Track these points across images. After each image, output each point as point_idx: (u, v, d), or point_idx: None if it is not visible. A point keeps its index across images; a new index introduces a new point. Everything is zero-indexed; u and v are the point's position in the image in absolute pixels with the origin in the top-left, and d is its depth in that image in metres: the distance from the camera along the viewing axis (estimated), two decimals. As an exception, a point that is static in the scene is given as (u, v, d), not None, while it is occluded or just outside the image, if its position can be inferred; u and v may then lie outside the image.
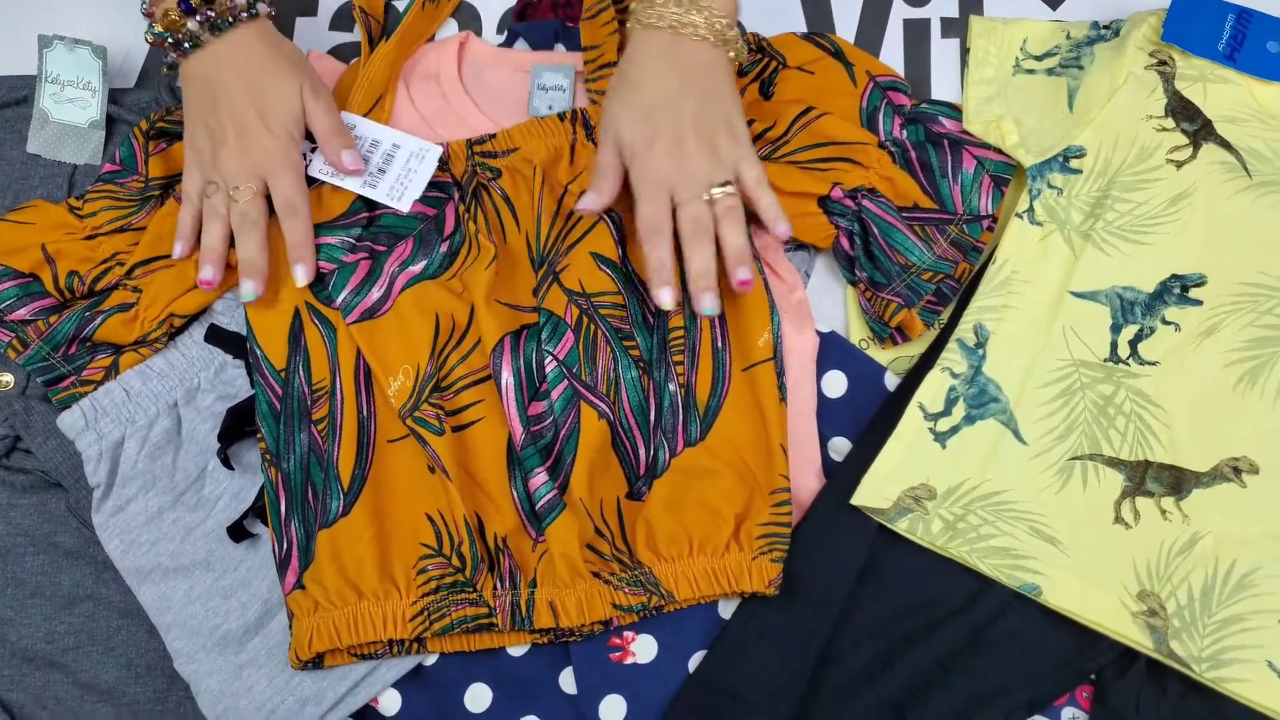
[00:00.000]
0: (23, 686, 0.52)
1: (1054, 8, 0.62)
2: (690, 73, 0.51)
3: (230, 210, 0.53)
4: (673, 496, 0.50)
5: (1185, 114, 0.56)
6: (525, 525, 0.50)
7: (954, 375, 0.52)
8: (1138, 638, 0.48)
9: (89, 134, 0.59)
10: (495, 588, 0.49)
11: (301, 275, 0.53)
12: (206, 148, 0.54)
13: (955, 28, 0.61)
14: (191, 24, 0.53)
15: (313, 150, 0.56)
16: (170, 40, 0.53)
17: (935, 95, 0.60)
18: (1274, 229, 0.53)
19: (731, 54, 0.53)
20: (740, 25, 0.55)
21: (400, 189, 0.55)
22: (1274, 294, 0.53)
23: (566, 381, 0.52)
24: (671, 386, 0.52)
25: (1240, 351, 0.52)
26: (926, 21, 0.62)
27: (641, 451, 0.51)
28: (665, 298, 0.51)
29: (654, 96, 0.51)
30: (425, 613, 0.49)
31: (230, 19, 0.53)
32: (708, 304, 0.50)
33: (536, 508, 0.50)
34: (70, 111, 0.59)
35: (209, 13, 0.53)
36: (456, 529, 0.50)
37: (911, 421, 0.52)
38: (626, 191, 0.55)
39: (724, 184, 0.51)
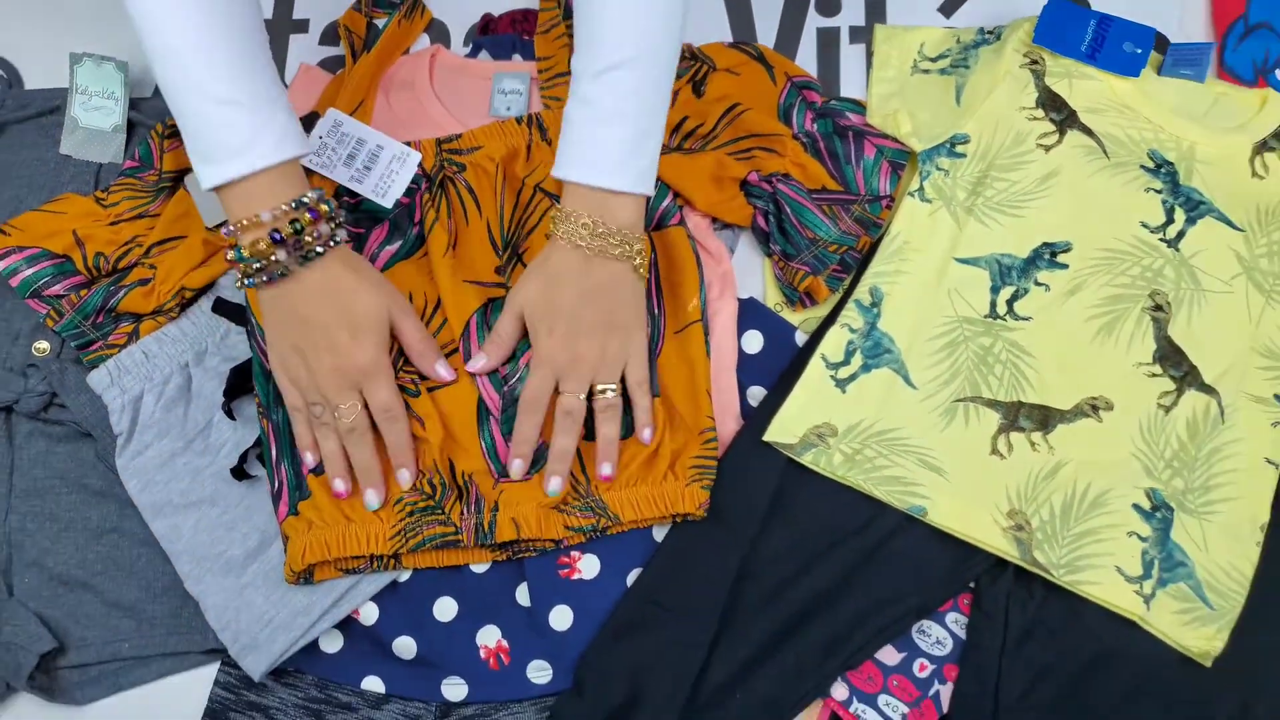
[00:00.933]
0: (58, 605, 0.58)
1: (948, 16, 0.68)
2: (597, 286, 0.53)
3: (338, 426, 0.53)
4: (640, 446, 0.55)
5: (1053, 105, 0.62)
6: (490, 468, 0.56)
7: (852, 330, 0.59)
8: (1007, 549, 0.54)
9: (112, 137, 0.66)
10: (462, 512, 0.55)
11: (406, 479, 0.54)
12: (300, 370, 0.53)
13: (862, 35, 0.68)
14: (281, 254, 0.51)
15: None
16: (257, 266, 0.51)
17: (844, 93, 0.66)
18: (1127, 202, 0.60)
19: (638, 261, 0.54)
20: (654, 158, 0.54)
21: (384, 186, 0.61)
22: (1126, 257, 0.59)
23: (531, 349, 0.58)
24: None
25: (1099, 307, 0.58)
26: (837, 29, 0.68)
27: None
28: (515, 468, 0.54)
29: (563, 299, 0.53)
30: (402, 533, 0.55)
31: (319, 250, 0.51)
32: (553, 486, 0.53)
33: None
34: (96, 118, 0.66)
35: (298, 242, 0.51)
36: (430, 468, 0.56)
37: (816, 370, 0.58)
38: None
39: (609, 385, 0.54)
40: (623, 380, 0.55)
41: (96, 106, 0.66)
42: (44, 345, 0.61)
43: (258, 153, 0.50)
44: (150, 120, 0.66)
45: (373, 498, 0.54)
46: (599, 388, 0.54)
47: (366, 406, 0.54)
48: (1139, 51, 0.61)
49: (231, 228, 0.52)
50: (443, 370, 0.55)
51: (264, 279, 0.52)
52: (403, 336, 0.55)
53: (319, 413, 0.54)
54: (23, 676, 0.55)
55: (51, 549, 0.58)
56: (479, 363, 0.56)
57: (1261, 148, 0.60)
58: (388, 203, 0.61)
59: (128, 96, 0.66)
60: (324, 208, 0.52)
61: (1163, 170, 0.60)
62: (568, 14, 0.66)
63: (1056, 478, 0.55)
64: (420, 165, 0.63)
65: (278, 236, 0.51)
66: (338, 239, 0.53)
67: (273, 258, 0.51)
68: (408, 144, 0.63)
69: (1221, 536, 0.53)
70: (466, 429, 0.56)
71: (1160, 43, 0.64)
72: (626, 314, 0.55)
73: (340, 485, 0.54)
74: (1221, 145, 0.60)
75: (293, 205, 0.51)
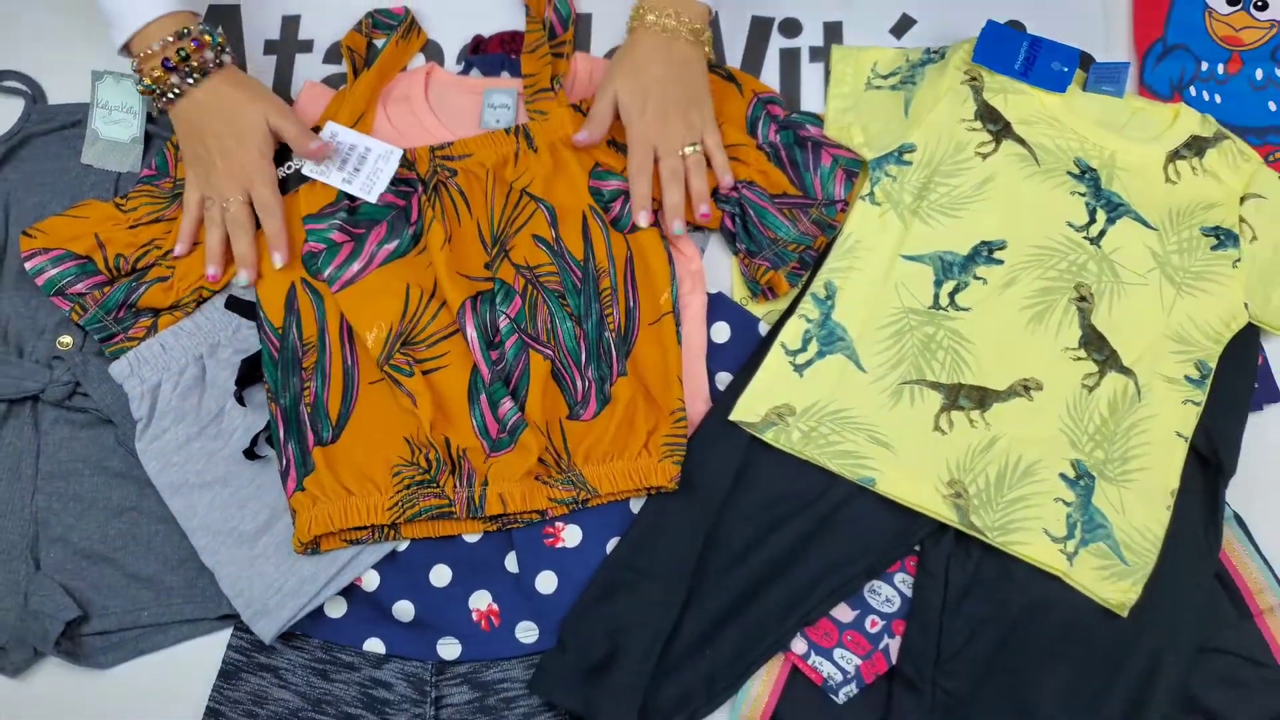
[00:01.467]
0: (82, 577, 0.62)
1: (899, 37, 0.75)
2: (676, 65, 0.66)
3: (224, 217, 0.65)
4: (613, 423, 0.61)
5: (990, 118, 0.68)
6: (482, 444, 0.61)
7: (809, 321, 0.65)
8: (947, 514, 0.60)
9: (130, 148, 0.71)
10: (455, 485, 0.60)
11: (278, 260, 0.65)
12: (201, 170, 0.65)
13: (820, 55, 0.74)
14: (174, 78, 0.64)
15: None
16: (157, 91, 0.64)
17: (804, 107, 0.73)
18: (1055, 204, 0.66)
19: (706, 49, 0.68)
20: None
21: (370, 183, 0.66)
22: (1055, 253, 0.65)
23: (517, 334, 0.64)
24: (606, 334, 0.63)
25: (1031, 299, 0.64)
26: (798, 50, 0.75)
27: (579, 383, 0.63)
28: (642, 219, 0.66)
29: (649, 78, 0.66)
30: (400, 504, 0.60)
31: (203, 72, 0.64)
32: (677, 227, 0.66)
33: (508, 426, 0.60)
34: (116, 130, 0.71)
35: (187, 68, 0.64)
36: (425, 444, 0.61)
37: (776, 357, 0.64)
38: (566, 187, 0.67)
39: (693, 144, 0.66)
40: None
41: (116, 120, 0.71)
42: (68, 339, 0.66)
43: (149, 6, 0.64)
44: (166, 133, 0.71)
45: (243, 277, 0.65)
46: (686, 150, 0.66)
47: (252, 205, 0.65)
48: (1065, 70, 0.68)
49: (138, 66, 0.65)
50: (315, 147, 0.66)
51: (165, 101, 0.65)
52: (283, 134, 0.66)
53: (209, 206, 0.65)
54: (50, 642, 0.60)
55: (75, 526, 0.63)
56: (582, 136, 0.67)
57: (1174, 156, 0.67)
58: (372, 198, 0.66)
59: (144, 111, 0.71)
60: (207, 38, 0.65)
61: (1087, 176, 0.67)
62: (552, 35, 0.73)
63: (992, 451, 0.61)
64: (415, 171, 0.68)
65: (169, 64, 0.64)
66: (222, 61, 0.66)
67: (168, 81, 0.64)
68: (403, 152, 0.68)
69: (1137, 501, 0.60)
70: (459, 407, 0.62)
71: (1085, 62, 0.71)
72: (701, 90, 0.67)
73: (213, 270, 0.65)
74: (1139, 154, 0.67)
75: (177, 36, 0.64)
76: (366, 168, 0.67)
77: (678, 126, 0.66)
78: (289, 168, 0.67)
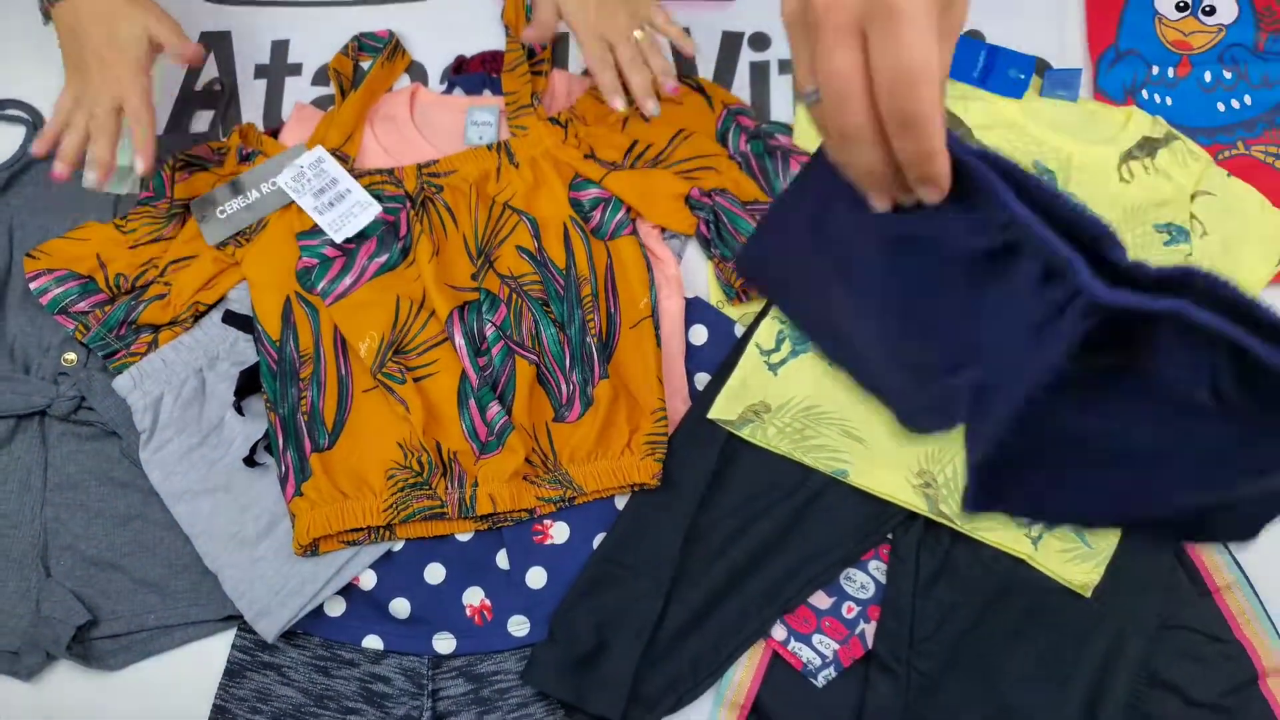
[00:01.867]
0: (91, 584, 0.64)
1: (863, 49, 0.78)
2: None
3: (89, 122, 0.65)
4: (596, 424, 0.63)
5: (950, 123, 0.71)
6: (471, 447, 0.64)
7: (782, 322, 0.67)
8: (917, 503, 0.62)
9: (128, 171, 0.72)
10: (447, 487, 0.63)
11: (140, 165, 0.65)
12: (78, 77, 0.66)
13: (789, 67, 0.77)
14: None
15: (279, 167, 0.70)
16: None
17: (773, 118, 0.75)
18: (1015, 205, 0.69)
19: None
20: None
21: (340, 224, 0.68)
22: (1015, 252, 0.68)
23: (503, 342, 0.66)
24: (588, 339, 0.66)
25: (993, 296, 0.67)
26: (767, 62, 0.77)
27: (564, 386, 0.65)
28: (618, 103, 0.69)
29: None
30: (394, 506, 0.62)
31: None
32: (651, 108, 0.69)
33: (496, 429, 0.62)
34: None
35: None
36: (418, 448, 0.63)
37: (751, 356, 0.66)
38: (547, 199, 0.70)
39: (641, 28, 0.69)
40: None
41: (114, 144, 0.73)
42: (72, 356, 0.68)
43: None
44: (162, 156, 0.73)
45: (90, 178, 0.65)
46: (637, 35, 0.69)
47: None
48: (1022, 77, 0.71)
49: None
50: (189, 52, 0.67)
51: (46, 2, 0.66)
52: (162, 40, 0.67)
53: (76, 109, 0.66)
54: (62, 646, 0.62)
55: (83, 534, 0.65)
56: (529, 34, 0.70)
57: (1127, 157, 0.70)
58: (338, 239, 0.68)
59: (142, 135, 0.73)
60: None
61: (1045, 177, 0.69)
62: (531, 54, 0.75)
63: (959, 441, 0.63)
64: (403, 188, 0.71)
65: None
66: None
67: None
68: (391, 170, 0.71)
69: (1098, 487, 0.62)
70: (449, 412, 0.64)
71: (1041, 68, 0.74)
72: None
73: (59, 167, 0.65)
74: (1094, 155, 0.70)
75: None
76: (341, 207, 0.68)
77: (621, 16, 0.68)
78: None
